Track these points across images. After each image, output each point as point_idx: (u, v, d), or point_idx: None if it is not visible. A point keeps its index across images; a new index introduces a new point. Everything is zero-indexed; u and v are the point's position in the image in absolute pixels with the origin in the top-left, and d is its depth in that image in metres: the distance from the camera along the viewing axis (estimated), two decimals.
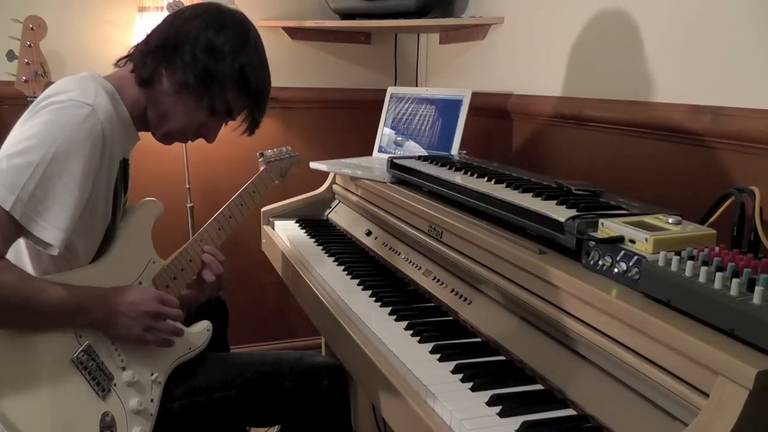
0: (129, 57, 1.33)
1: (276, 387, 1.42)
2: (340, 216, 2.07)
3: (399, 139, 2.10)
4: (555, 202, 1.22)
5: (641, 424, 0.88)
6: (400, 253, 1.62)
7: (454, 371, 1.10)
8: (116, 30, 2.38)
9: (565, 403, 1.00)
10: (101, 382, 1.21)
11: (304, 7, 2.62)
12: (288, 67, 2.64)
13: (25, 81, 2.01)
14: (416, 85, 2.82)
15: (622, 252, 0.99)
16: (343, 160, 2.09)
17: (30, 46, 2.02)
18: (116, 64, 1.35)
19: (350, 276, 1.58)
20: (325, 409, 1.45)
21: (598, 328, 0.97)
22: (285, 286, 1.90)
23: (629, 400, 0.91)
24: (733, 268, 0.85)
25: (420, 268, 1.52)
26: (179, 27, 1.29)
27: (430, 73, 2.76)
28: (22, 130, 1.15)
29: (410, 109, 2.09)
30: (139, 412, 1.25)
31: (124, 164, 1.33)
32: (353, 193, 1.97)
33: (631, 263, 0.97)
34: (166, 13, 1.85)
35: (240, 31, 1.32)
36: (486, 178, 1.46)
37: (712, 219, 1.10)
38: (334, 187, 2.13)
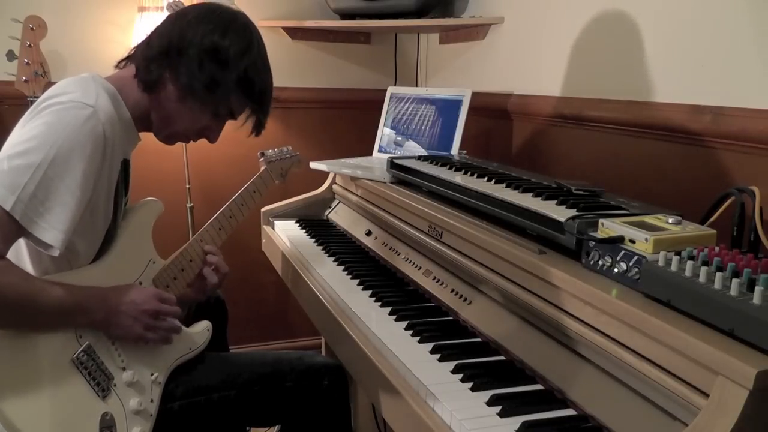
0: (130, 58, 1.33)
1: (276, 387, 1.42)
2: (340, 216, 2.07)
3: (399, 139, 2.10)
4: (555, 202, 1.22)
5: (641, 424, 0.88)
6: (400, 253, 1.62)
7: (454, 371, 1.10)
8: (116, 30, 2.38)
9: (565, 403, 1.00)
10: (101, 382, 1.21)
11: (304, 7, 2.62)
12: (288, 67, 2.64)
13: (25, 81, 2.01)
14: (416, 85, 2.81)
15: (622, 252, 0.99)
16: (343, 160, 2.09)
17: (30, 46, 2.02)
18: (117, 66, 1.34)
19: (350, 276, 1.58)
20: (325, 409, 1.45)
21: (598, 328, 0.97)
22: (285, 286, 1.90)
23: (629, 400, 0.91)
24: (733, 268, 0.85)
25: (420, 268, 1.52)
26: (182, 30, 1.27)
27: (430, 73, 2.76)
28: (23, 131, 1.15)
29: (410, 109, 2.09)
30: (139, 412, 1.25)
31: (125, 165, 1.33)
32: (353, 193, 1.97)
33: (631, 263, 0.97)
34: (166, 14, 1.84)
35: (244, 35, 1.30)
36: (486, 178, 1.46)
37: (712, 219, 1.10)
38: (334, 187, 2.13)
